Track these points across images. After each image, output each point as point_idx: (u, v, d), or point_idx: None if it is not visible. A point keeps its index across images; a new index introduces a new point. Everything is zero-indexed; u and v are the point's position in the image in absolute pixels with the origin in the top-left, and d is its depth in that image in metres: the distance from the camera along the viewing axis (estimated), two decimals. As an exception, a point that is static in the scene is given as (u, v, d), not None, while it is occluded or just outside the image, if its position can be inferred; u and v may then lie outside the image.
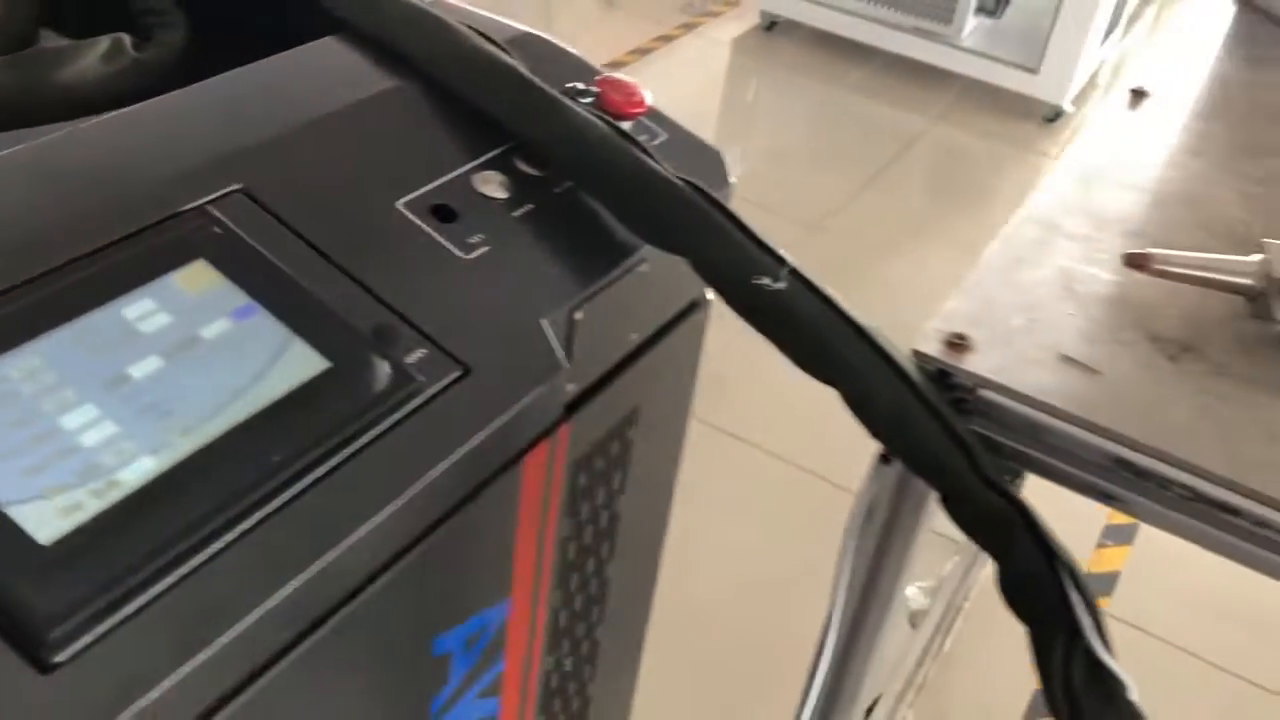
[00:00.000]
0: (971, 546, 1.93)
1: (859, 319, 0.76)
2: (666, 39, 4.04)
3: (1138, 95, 1.18)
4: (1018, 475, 0.78)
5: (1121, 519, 2.39)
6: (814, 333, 0.76)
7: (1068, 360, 0.79)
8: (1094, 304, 0.85)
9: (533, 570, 0.91)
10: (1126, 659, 2.23)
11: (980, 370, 0.77)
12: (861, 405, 0.76)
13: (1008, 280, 0.87)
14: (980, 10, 3.92)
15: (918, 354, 0.78)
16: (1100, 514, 2.38)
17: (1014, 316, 0.83)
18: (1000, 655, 2.12)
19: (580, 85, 0.87)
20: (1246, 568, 0.72)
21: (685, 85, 3.89)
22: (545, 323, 0.76)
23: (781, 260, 0.77)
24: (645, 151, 0.81)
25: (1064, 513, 2.43)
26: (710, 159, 0.94)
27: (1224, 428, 0.75)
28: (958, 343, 0.78)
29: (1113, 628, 2.23)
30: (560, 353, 0.76)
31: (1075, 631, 0.72)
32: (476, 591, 0.84)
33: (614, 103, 0.89)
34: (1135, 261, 0.85)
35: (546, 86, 0.83)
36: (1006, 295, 0.85)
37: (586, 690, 1.14)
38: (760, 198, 3.15)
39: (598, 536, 1.01)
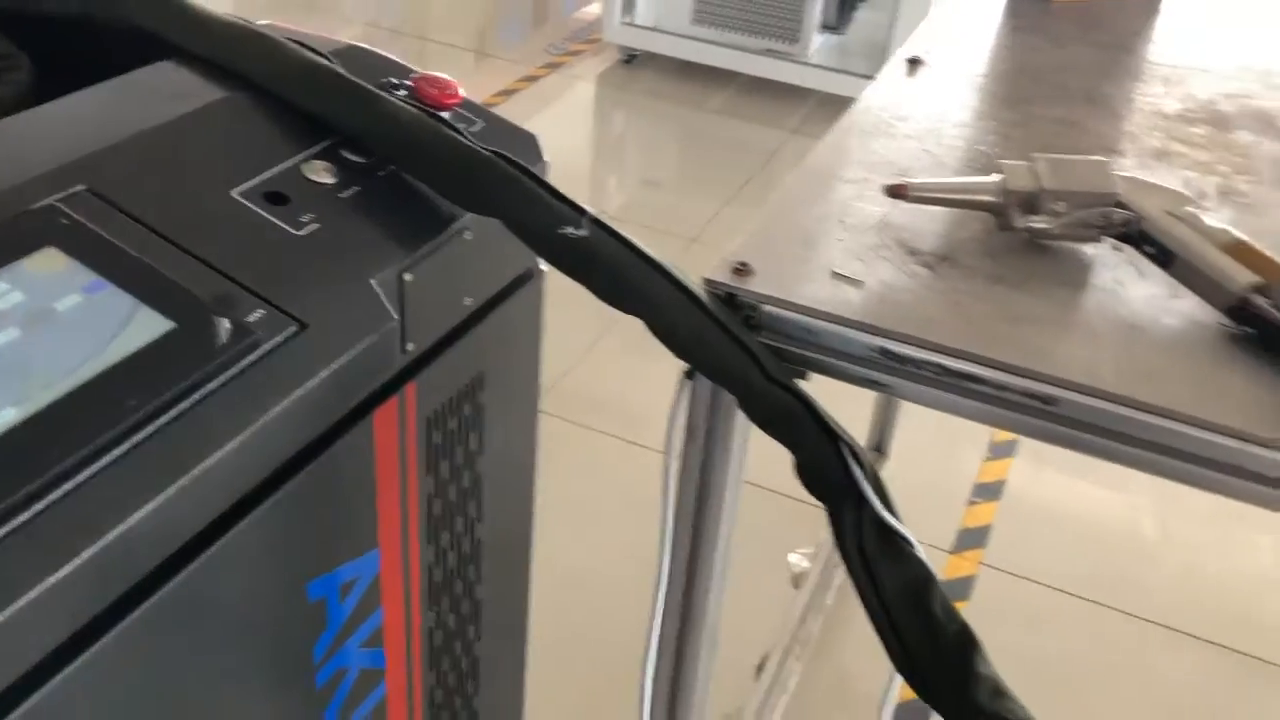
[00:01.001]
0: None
1: (654, 256, 0.87)
2: (531, 79, 4.18)
3: (914, 63, 1.33)
4: (803, 376, 0.89)
5: (989, 477, 2.54)
6: (617, 271, 0.87)
7: (837, 276, 0.91)
8: (862, 231, 0.97)
9: (398, 523, 0.99)
10: (1004, 603, 2.39)
11: (761, 290, 0.88)
12: (663, 330, 0.87)
13: (788, 219, 0.99)
14: (824, 28, 4.14)
15: (708, 282, 0.89)
16: (969, 475, 2.54)
17: (792, 246, 0.95)
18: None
19: (395, 80, 0.98)
20: (997, 427, 0.84)
21: (555, 122, 4.02)
22: (374, 282, 0.85)
23: (582, 211, 0.88)
24: (454, 130, 0.91)
25: (935, 476, 2.60)
26: (525, 140, 1.05)
27: (970, 316, 0.88)
28: (741, 269, 0.90)
29: (990, 576, 2.38)
30: (389, 307, 0.85)
31: (861, 499, 0.84)
32: (344, 540, 0.93)
33: (430, 95, 0.99)
34: (895, 191, 0.98)
35: (362, 82, 0.93)
36: (786, 230, 0.98)
37: (474, 649, 1.22)
38: (641, 220, 3.29)
39: (463, 495, 1.10)
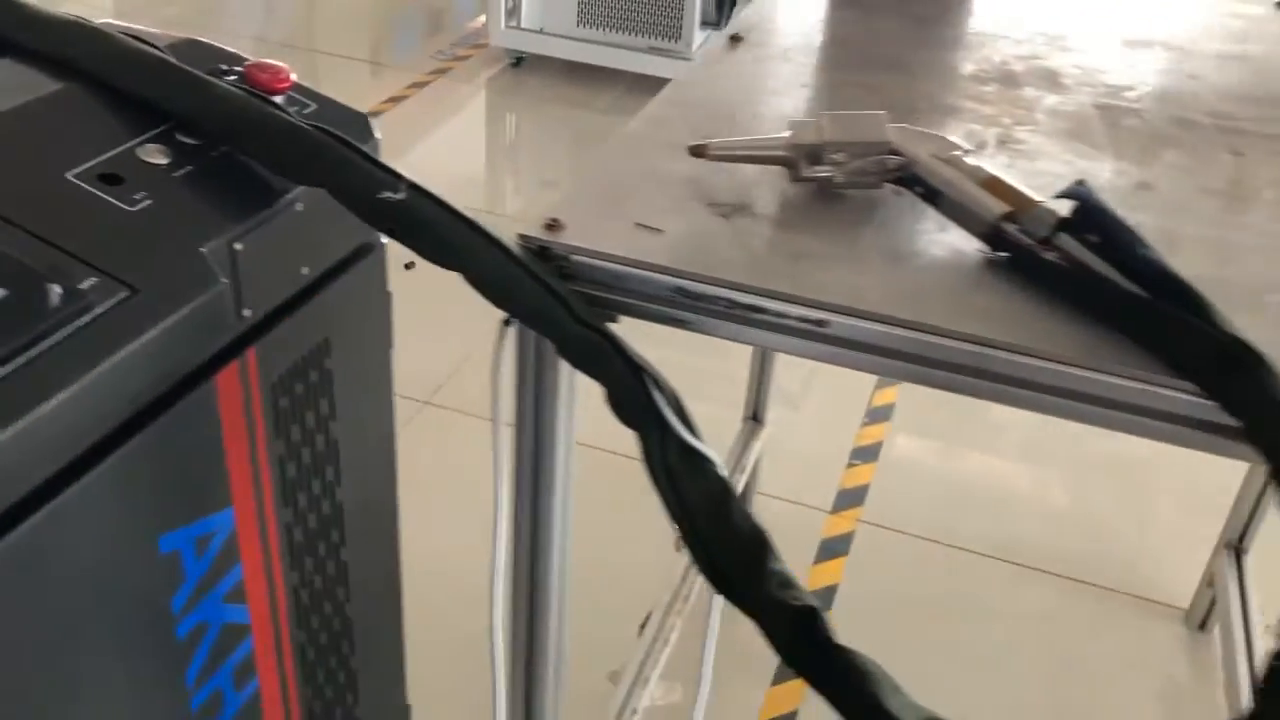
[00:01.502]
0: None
1: (468, 215, 0.95)
2: (419, 85, 4.23)
3: (735, 40, 1.43)
4: (613, 319, 0.98)
5: (865, 440, 2.66)
6: (434, 231, 0.95)
7: (640, 226, 1.00)
8: (667, 188, 1.06)
9: (250, 483, 1.06)
10: (883, 557, 2.50)
11: (571, 242, 0.97)
12: (480, 282, 0.94)
13: (600, 181, 1.08)
14: (705, 24, 4.26)
15: (522, 237, 0.97)
16: (847, 440, 2.65)
17: (602, 204, 1.03)
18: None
19: (225, 67, 1.05)
20: (780, 351, 0.93)
21: (446, 127, 4.08)
22: (205, 251, 0.92)
23: (399, 177, 0.95)
24: (277, 108, 0.98)
25: (817, 440, 2.70)
26: (356, 120, 1.13)
27: (756, 255, 0.97)
28: (553, 224, 0.98)
29: (867, 531, 2.50)
30: (218, 272, 0.92)
31: (664, 425, 0.92)
32: (194, 496, 0.99)
33: (261, 80, 1.07)
34: (696, 151, 1.07)
35: (190, 69, 1.00)
36: (598, 191, 1.06)
37: (345, 610, 1.29)
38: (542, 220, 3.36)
39: (318, 459, 1.16)
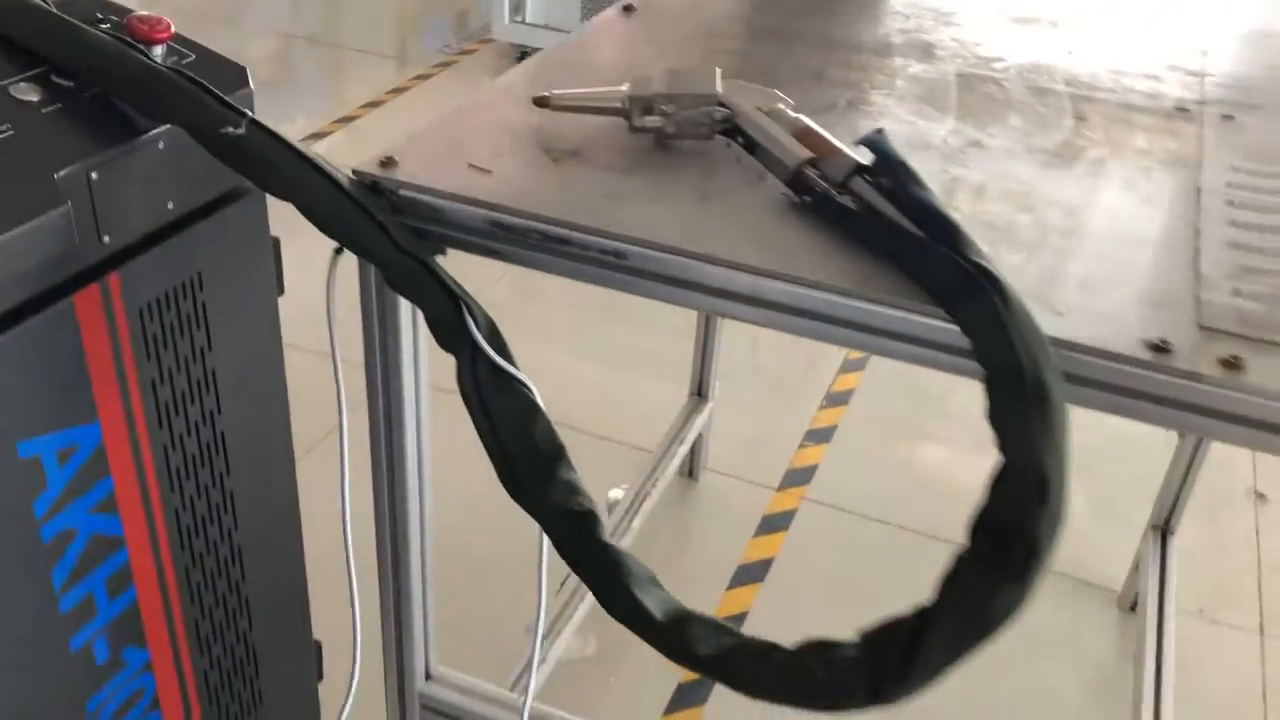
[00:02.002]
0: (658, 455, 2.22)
1: (305, 150, 1.03)
2: (423, 78, 4.34)
3: (628, 9, 1.50)
4: (441, 252, 1.05)
5: (820, 423, 2.71)
6: (271, 164, 1.02)
7: (471, 167, 1.07)
8: (510, 135, 1.13)
9: (118, 402, 1.14)
10: (823, 533, 2.55)
11: (402, 178, 1.04)
12: (309, 211, 1.01)
13: (448, 127, 1.15)
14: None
15: (356, 171, 1.04)
16: (804, 423, 2.70)
17: (443, 147, 1.11)
18: (704, 532, 2.41)
19: (101, 16, 1.13)
20: (585, 281, 1.00)
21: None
22: (59, 177, 1.00)
23: (242, 113, 1.03)
24: (141, 53, 1.07)
25: (769, 423, 2.75)
26: (232, 69, 1.20)
27: (576, 195, 1.04)
28: (387, 162, 1.06)
29: (810, 509, 2.55)
30: (64, 195, 1.00)
31: (475, 346, 0.99)
32: (54, 408, 1.07)
33: (140, 30, 1.15)
34: (540, 102, 1.14)
35: (61, 15, 1.08)
36: (443, 135, 1.13)
37: (233, 537, 1.37)
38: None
39: (196, 387, 1.24)
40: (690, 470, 2.49)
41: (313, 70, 4.75)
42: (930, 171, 1.09)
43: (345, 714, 1.25)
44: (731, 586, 2.24)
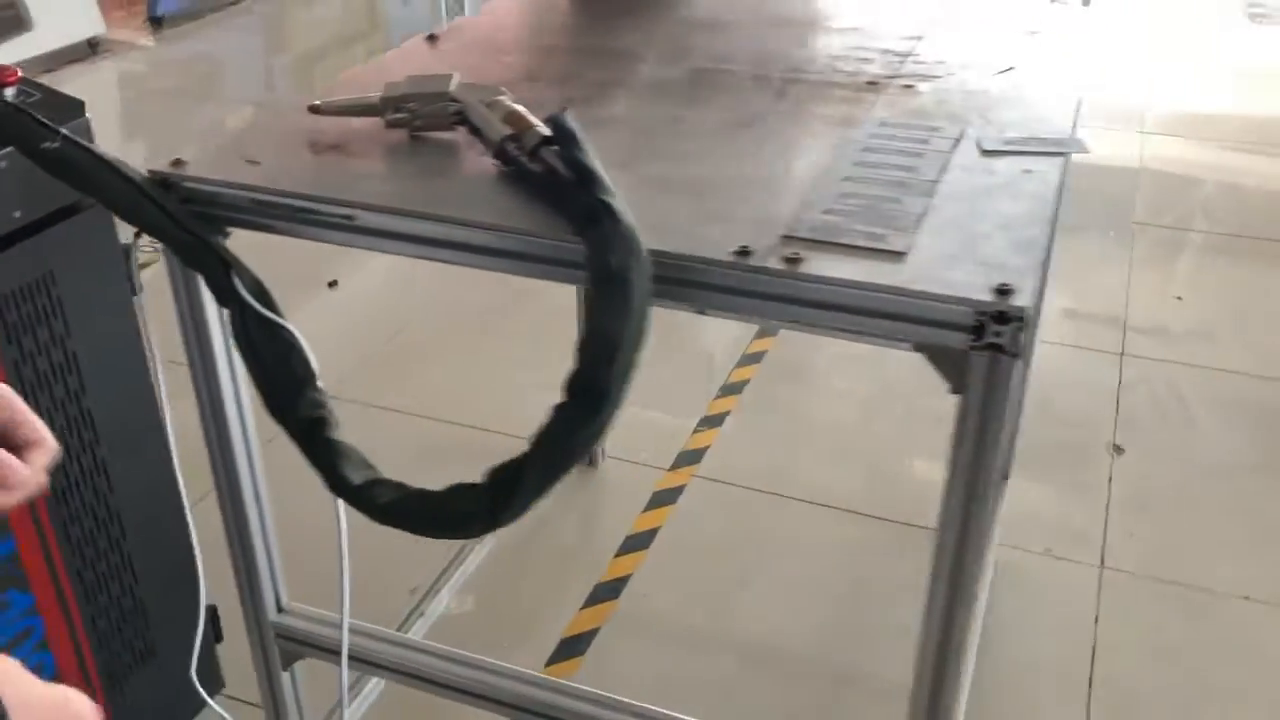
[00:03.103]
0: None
1: (107, 156, 1.29)
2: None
3: (432, 39, 1.76)
4: (225, 232, 1.30)
5: (714, 410, 2.94)
6: (81, 170, 1.28)
7: (246, 161, 1.32)
8: (286, 136, 1.39)
9: (-16, 376, 1.40)
10: (707, 505, 2.77)
11: (186, 173, 1.29)
12: (112, 205, 1.27)
13: (239, 132, 1.41)
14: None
15: (151, 171, 1.30)
16: (699, 411, 2.93)
17: (229, 147, 1.36)
18: (601, 506, 2.64)
19: (-43, 66, 1.41)
20: (323, 241, 1.25)
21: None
22: (-91, 190, 1.27)
23: (58, 132, 1.29)
24: (-12, 94, 1.33)
25: (668, 412, 2.96)
26: (70, 103, 1.47)
27: (323, 175, 1.29)
28: (177, 162, 1.31)
29: (698, 484, 2.76)
30: (-84, 203, 1.26)
31: (243, 303, 1.24)
32: (-77, 378, 1.33)
33: (-7, 77, 1.42)
34: (314, 109, 1.40)
35: (-80, 66, 1.36)
36: (231, 137, 1.39)
37: (109, 501, 1.62)
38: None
39: (58, 368, 1.50)
40: (590, 459, 2.72)
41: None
42: (620, 142, 1.34)
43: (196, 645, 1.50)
44: (619, 554, 2.46)
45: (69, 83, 5.36)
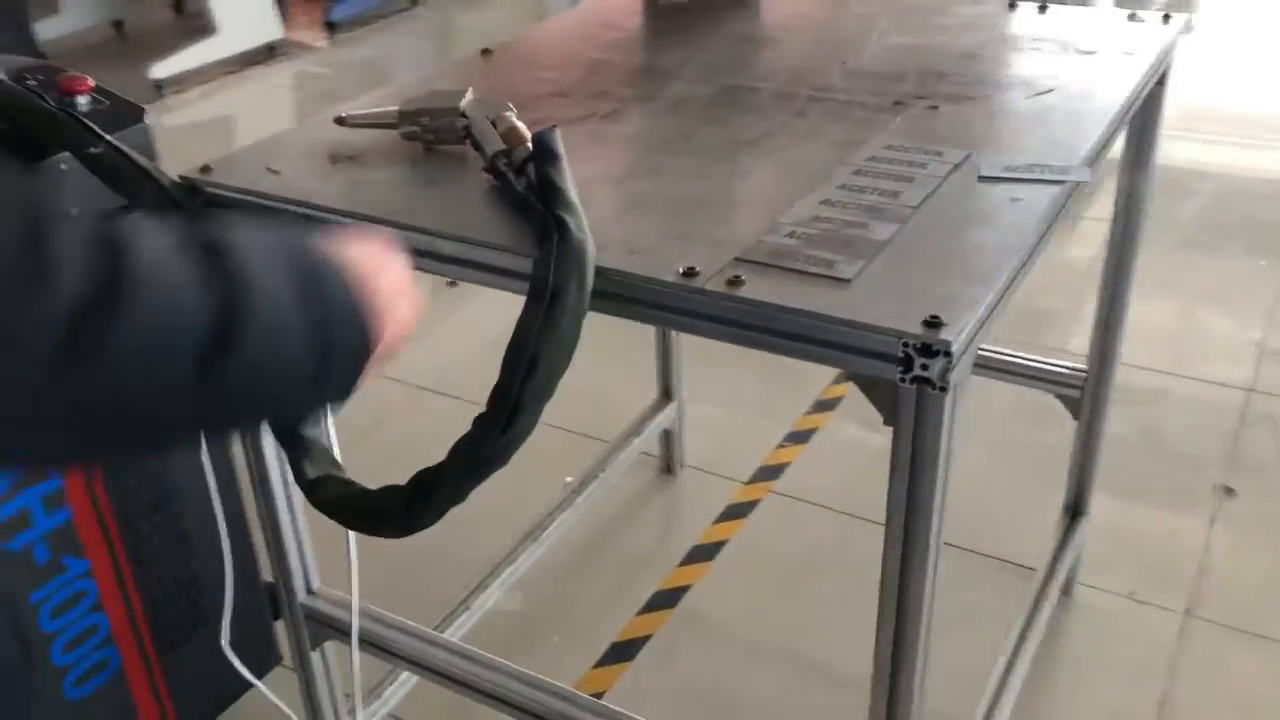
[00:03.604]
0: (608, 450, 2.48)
1: (143, 162, 1.39)
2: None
3: (486, 53, 1.82)
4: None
5: (803, 426, 2.91)
6: (118, 173, 1.39)
7: (267, 170, 1.41)
8: (311, 146, 1.46)
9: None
10: (802, 525, 2.81)
11: (212, 179, 1.39)
12: (141, 203, 1.38)
13: (265, 143, 1.50)
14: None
15: (181, 177, 1.40)
16: (785, 426, 2.91)
17: (255, 159, 1.45)
18: (672, 515, 2.66)
19: (28, 74, 1.55)
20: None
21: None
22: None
23: (101, 137, 1.41)
24: (41, 98, 1.46)
25: (754, 425, 2.99)
26: (133, 109, 1.59)
27: (330, 185, 1.35)
28: (206, 169, 1.41)
29: (774, 499, 2.78)
30: None
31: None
32: None
33: (68, 84, 1.56)
34: (339, 120, 1.47)
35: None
36: (260, 148, 1.48)
37: (163, 480, 1.74)
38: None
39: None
40: (668, 466, 2.74)
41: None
42: (622, 159, 1.37)
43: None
44: (683, 564, 2.47)
45: (249, 82, 5.73)
